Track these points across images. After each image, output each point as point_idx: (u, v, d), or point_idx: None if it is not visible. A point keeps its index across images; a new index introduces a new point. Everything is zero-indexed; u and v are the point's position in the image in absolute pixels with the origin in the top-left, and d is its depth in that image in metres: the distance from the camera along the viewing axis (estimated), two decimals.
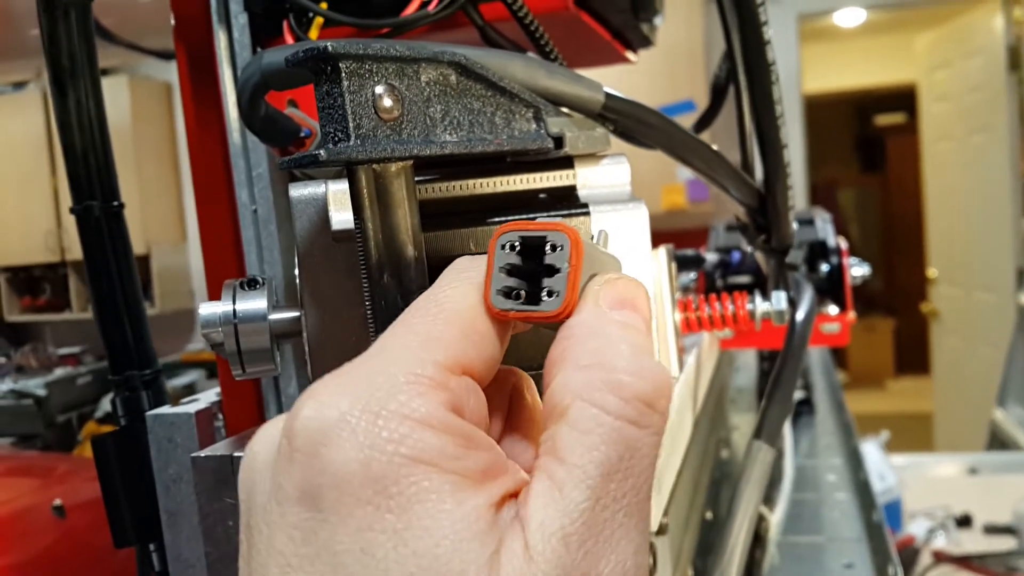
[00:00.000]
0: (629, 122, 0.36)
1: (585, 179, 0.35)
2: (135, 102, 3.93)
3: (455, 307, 0.23)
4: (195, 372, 3.74)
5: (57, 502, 1.60)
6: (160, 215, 4.09)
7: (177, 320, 4.07)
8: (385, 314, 0.28)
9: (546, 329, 0.24)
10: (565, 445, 0.21)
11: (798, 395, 1.30)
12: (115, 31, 0.93)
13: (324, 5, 0.46)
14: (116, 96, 3.81)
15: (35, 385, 3.56)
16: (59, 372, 3.78)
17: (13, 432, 3.47)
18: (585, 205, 0.34)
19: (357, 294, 0.30)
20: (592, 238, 0.29)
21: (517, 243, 0.24)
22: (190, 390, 3.42)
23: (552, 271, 0.23)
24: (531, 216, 0.33)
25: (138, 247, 3.84)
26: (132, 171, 3.78)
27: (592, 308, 0.23)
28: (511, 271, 0.24)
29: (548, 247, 0.23)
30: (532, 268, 0.24)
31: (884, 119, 6.23)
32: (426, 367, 0.22)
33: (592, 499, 0.21)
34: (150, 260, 3.97)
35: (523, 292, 0.24)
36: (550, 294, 0.23)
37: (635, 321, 0.23)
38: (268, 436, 0.23)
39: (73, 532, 1.58)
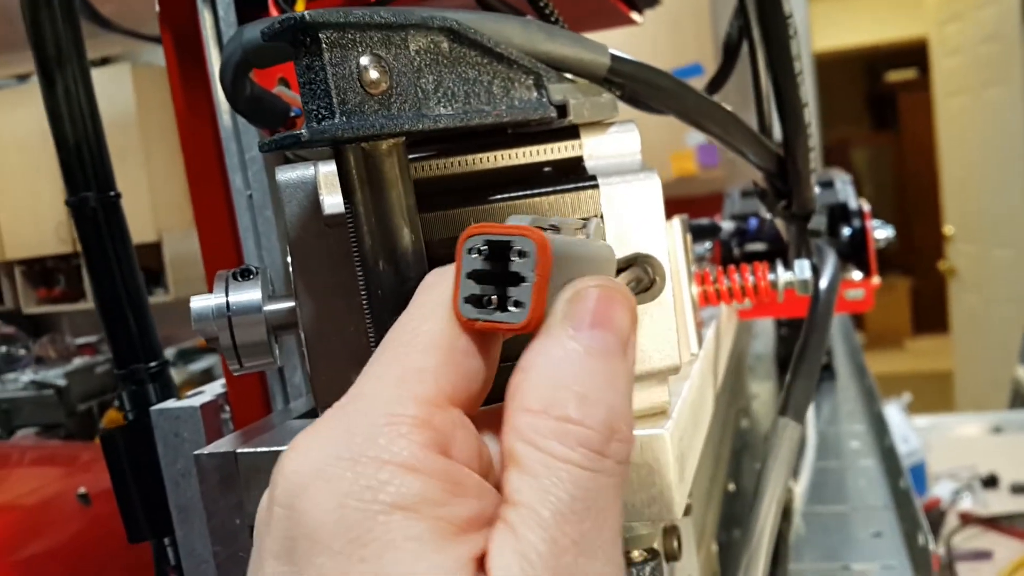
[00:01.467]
0: (638, 86, 0.34)
1: (592, 149, 0.33)
2: (139, 90, 3.90)
3: (431, 331, 0.22)
4: (213, 357, 3.76)
5: (82, 490, 1.62)
6: (170, 202, 4.07)
7: None
8: (382, 303, 0.26)
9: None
10: (516, 488, 0.21)
11: None
12: (114, 19, 0.92)
13: None
14: (119, 84, 3.79)
15: (55, 375, 3.60)
16: (78, 362, 3.81)
17: (36, 422, 3.51)
18: (593, 177, 0.32)
19: (353, 282, 0.28)
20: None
21: (483, 247, 0.22)
22: (208, 375, 3.44)
23: (518, 279, 0.22)
24: (535, 194, 0.31)
25: (149, 234, 3.84)
26: (140, 159, 3.76)
27: (555, 333, 0.22)
28: (478, 277, 0.22)
29: (515, 253, 0.21)
30: (499, 273, 0.22)
31: (895, 75, 6.12)
32: (407, 405, 0.21)
33: (548, 541, 0.20)
34: (162, 247, 3.97)
35: (492, 299, 0.22)
36: (516, 304, 0.22)
37: (603, 344, 0.22)
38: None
39: (98, 519, 1.60)
